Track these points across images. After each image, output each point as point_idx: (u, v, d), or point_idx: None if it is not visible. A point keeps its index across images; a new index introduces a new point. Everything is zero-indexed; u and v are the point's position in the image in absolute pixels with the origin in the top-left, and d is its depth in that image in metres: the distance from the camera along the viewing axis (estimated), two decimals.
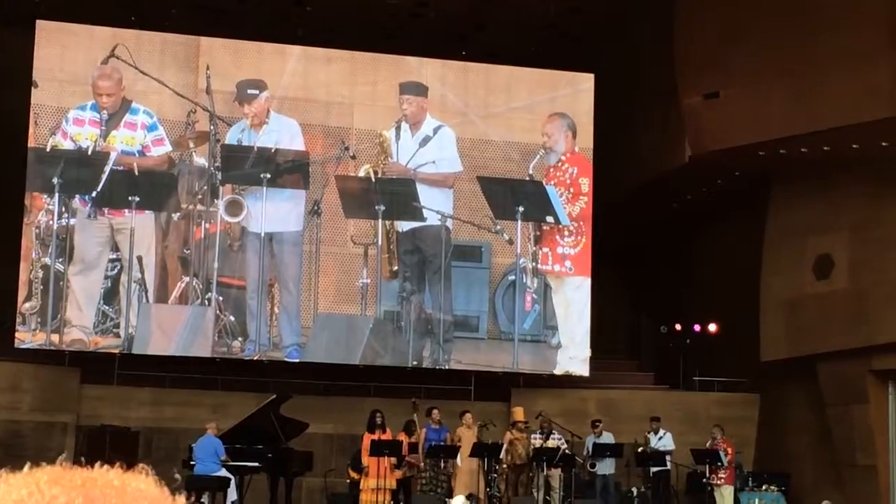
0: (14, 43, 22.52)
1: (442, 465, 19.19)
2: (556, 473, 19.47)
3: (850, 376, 20.15)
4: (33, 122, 20.92)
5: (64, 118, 20.95)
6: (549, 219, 22.34)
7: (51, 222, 20.73)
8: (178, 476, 17.62)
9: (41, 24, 21.15)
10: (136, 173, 21.00)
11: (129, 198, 20.96)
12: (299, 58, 21.85)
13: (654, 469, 20.25)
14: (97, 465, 1.43)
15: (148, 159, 21.14)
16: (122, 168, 21.00)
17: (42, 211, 20.77)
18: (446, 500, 18.86)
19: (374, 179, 21.86)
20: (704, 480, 19.70)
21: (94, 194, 20.92)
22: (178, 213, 21.14)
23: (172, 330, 20.93)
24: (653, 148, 23.09)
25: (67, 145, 20.90)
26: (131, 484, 1.39)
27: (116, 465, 1.44)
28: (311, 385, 21.97)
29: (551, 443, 19.48)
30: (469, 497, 18.36)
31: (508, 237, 22.28)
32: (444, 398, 21.61)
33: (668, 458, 20.26)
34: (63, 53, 21.18)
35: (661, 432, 20.49)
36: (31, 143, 20.85)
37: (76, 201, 20.91)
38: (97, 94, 21.10)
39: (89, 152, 20.98)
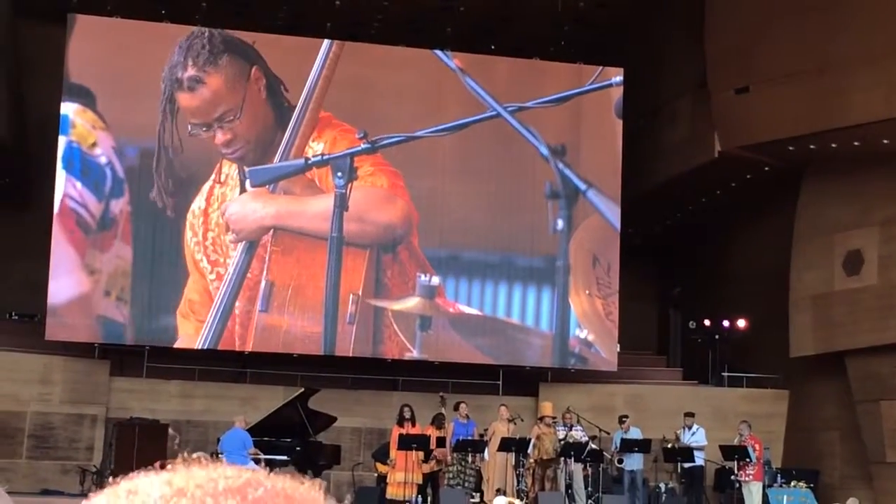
0: (47, 37, 22.68)
1: (469, 459, 19.19)
2: (578, 468, 19.41)
3: (880, 372, 20.04)
4: (77, 111, 20.99)
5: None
6: (578, 212, 22.35)
7: (79, 216, 20.80)
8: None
9: (73, 18, 21.25)
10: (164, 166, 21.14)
11: (156, 190, 21.11)
12: (327, 51, 21.84)
13: (686, 465, 20.18)
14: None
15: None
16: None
17: (70, 203, 20.81)
18: (474, 494, 18.87)
19: (402, 174, 21.93)
20: (733, 477, 19.63)
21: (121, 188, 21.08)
22: (200, 208, 21.20)
23: (201, 323, 21.02)
24: (682, 142, 23.03)
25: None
26: (299, 489, 1.43)
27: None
28: (339, 379, 22.01)
29: (574, 434, 19.45)
30: (498, 491, 18.36)
31: (536, 231, 22.28)
32: (472, 392, 21.62)
33: (701, 453, 20.18)
34: (95, 47, 21.27)
35: (695, 428, 20.42)
36: (73, 130, 20.94)
37: (109, 185, 21.02)
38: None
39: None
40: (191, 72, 21.14)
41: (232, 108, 21.23)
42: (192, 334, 21.11)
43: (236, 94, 21.30)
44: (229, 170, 21.36)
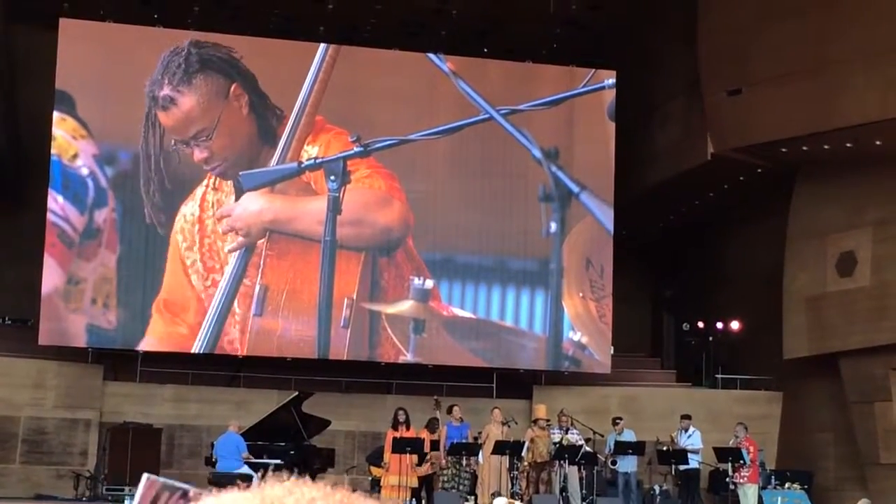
0: (41, 41, 22.63)
1: (464, 462, 19.17)
2: (573, 471, 19.40)
3: (873, 374, 20.06)
4: (57, 120, 20.95)
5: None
6: (571, 215, 22.35)
7: (61, 230, 20.72)
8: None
9: (64, 23, 21.21)
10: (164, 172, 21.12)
11: (151, 195, 21.09)
12: (320, 55, 21.82)
13: (682, 467, 20.16)
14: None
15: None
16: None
17: (52, 218, 20.70)
18: (468, 497, 18.85)
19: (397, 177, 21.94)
20: (728, 479, 19.61)
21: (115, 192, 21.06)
22: (193, 214, 21.17)
23: (196, 328, 20.99)
24: (674, 144, 23.05)
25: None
26: None
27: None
28: (333, 382, 22.02)
29: (570, 438, 19.43)
30: (493, 495, 18.35)
31: (529, 233, 22.28)
32: (466, 395, 21.62)
33: (697, 456, 20.16)
34: (85, 51, 21.23)
35: (691, 430, 20.41)
36: (53, 142, 20.89)
37: (91, 196, 20.99)
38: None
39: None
40: (166, 90, 21.09)
41: (206, 127, 21.16)
42: (163, 335, 21.02)
43: (211, 113, 21.21)
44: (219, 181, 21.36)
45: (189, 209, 21.16)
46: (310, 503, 1.40)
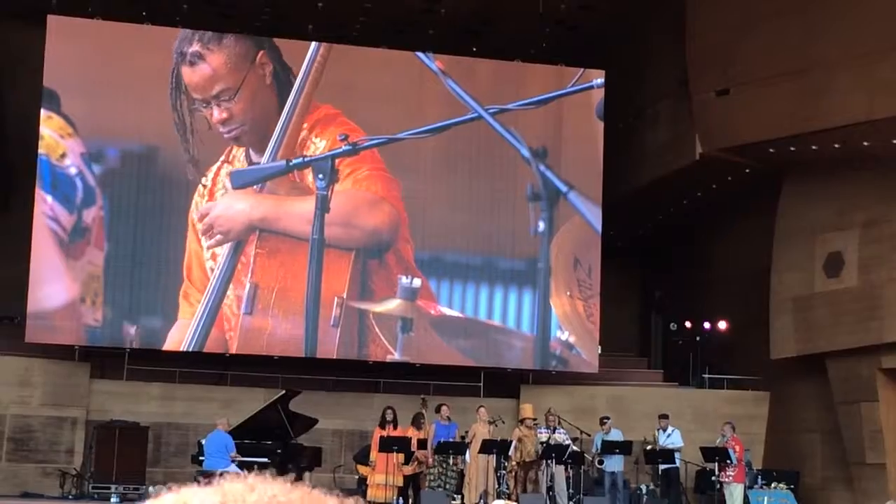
0: (24, 38, 22.57)
1: (451, 461, 19.18)
2: (560, 470, 19.42)
3: (860, 374, 20.11)
4: (44, 119, 20.90)
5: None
6: (559, 214, 22.36)
7: (51, 231, 20.67)
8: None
9: (52, 20, 21.15)
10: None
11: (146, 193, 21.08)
12: (310, 53, 21.79)
13: (663, 466, 20.23)
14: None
15: None
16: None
17: (42, 219, 20.64)
18: (455, 496, 18.86)
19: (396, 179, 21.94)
20: (714, 478, 19.66)
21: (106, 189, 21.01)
22: (206, 186, 21.17)
23: (185, 326, 20.95)
24: (663, 144, 23.08)
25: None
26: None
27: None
28: (320, 381, 21.99)
29: (557, 437, 19.45)
30: (482, 494, 18.38)
31: (518, 233, 22.28)
32: (454, 394, 21.62)
33: (677, 455, 20.23)
34: (73, 49, 21.18)
35: (670, 429, 20.47)
36: (41, 142, 20.82)
37: (80, 196, 20.94)
38: None
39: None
40: (195, 47, 21.26)
41: (230, 87, 21.29)
42: (180, 331, 21.01)
43: (237, 75, 21.36)
44: (237, 152, 21.34)
45: (203, 181, 21.19)
46: (271, 500, 1.38)
